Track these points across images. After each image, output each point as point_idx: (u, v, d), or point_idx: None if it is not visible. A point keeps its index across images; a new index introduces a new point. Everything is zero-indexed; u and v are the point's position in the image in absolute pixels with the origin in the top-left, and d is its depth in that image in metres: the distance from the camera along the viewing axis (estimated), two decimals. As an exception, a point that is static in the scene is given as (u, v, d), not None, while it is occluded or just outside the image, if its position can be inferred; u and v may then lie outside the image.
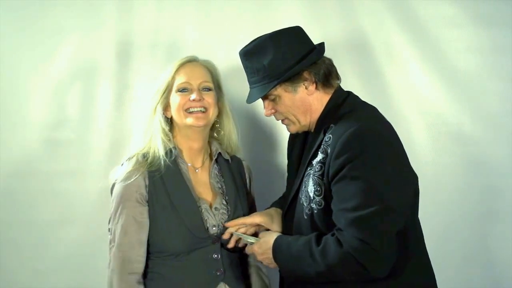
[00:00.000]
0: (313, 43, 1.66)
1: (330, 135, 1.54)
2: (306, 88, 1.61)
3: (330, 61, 1.64)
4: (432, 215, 2.09)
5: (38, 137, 2.19)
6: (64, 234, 2.18)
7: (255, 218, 1.75)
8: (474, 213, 2.19)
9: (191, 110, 1.74)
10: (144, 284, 1.69)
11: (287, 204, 1.68)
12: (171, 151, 1.74)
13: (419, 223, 1.62)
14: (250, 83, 1.67)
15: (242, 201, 1.83)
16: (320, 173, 1.53)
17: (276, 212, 1.77)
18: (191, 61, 1.80)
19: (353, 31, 2.23)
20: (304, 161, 1.65)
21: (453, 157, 2.20)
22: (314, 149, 1.59)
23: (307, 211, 1.57)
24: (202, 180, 1.80)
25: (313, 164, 1.58)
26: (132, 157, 1.73)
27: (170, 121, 1.79)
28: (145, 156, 1.73)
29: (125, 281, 1.65)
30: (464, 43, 2.20)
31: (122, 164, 1.75)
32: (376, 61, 2.23)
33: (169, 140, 1.75)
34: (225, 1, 2.22)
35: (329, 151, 1.52)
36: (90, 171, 2.18)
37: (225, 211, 1.77)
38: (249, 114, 2.22)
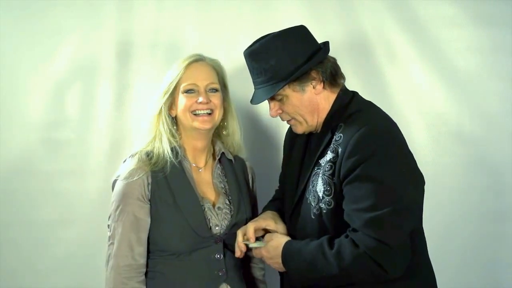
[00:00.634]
0: (318, 42, 1.66)
1: (341, 134, 1.53)
2: (313, 87, 1.60)
3: (334, 60, 1.65)
4: (432, 215, 2.07)
5: (38, 137, 2.19)
6: (64, 234, 2.18)
7: (261, 223, 1.72)
8: (474, 213, 2.19)
9: (197, 112, 1.73)
10: (146, 283, 1.68)
11: (293, 205, 1.66)
12: (176, 150, 1.73)
13: (422, 222, 1.62)
14: (256, 83, 1.65)
15: (245, 201, 1.83)
16: (330, 172, 1.52)
17: (274, 215, 1.76)
18: (198, 60, 1.77)
19: (353, 31, 2.23)
20: (309, 161, 1.64)
21: (453, 157, 2.20)
22: (321, 148, 1.59)
23: (315, 211, 1.56)
24: (205, 180, 1.80)
25: (321, 164, 1.57)
26: (135, 155, 1.72)
27: (174, 120, 1.78)
28: (148, 154, 1.72)
29: (124, 280, 1.64)
30: (464, 43, 2.20)
31: (124, 161, 1.74)
32: (376, 61, 2.23)
33: (174, 139, 1.74)
34: (225, 1, 2.22)
35: (340, 150, 1.51)
36: (90, 171, 2.18)
37: (228, 211, 1.77)
38: (250, 114, 2.22)
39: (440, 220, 2.16)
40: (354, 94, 1.67)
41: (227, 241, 1.73)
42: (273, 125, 2.21)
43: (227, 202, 1.79)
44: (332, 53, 1.66)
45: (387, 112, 1.64)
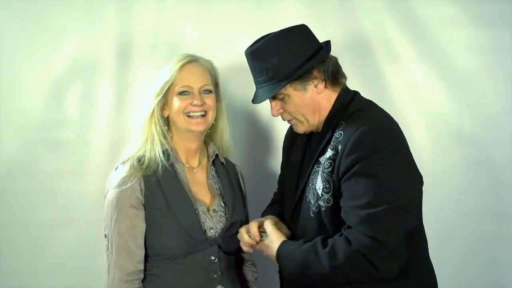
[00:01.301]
0: (319, 42, 1.66)
1: (341, 132, 1.53)
2: (315, 86, 1.60)
3: (336, 59, 1.64)
4: (432, 215, 2.07)
5: (38, 137, 2.18)
6: (64, 234, 2.18)
7: (263, 221, 1.70)
8: (474, 213, 2.19)
9: (191, 114, 1.72)
10: (143, 287, 1.68)
11: (293, 205, 1.66)
12: (167, 152, 1.72)
13: (422, 222, 1.62)
14: (257, 82, 1.64)
15: (239, 203, 1.83)
16: (329, 170, 1.52)
17: (275, 218, 1.75)
18: (192, 61, 1.76)
19: (353, 31, 2.23)
20: (309, 160, 1.64)
21: (453, 157, 2.20)
22: (322, 146, 1.58)
23: (314, 209, 1.56)
24: (199, 180, 1.80)
25: (321, 162, 1.57)
26: (127, 161, 1.71)
27: (166, 120, 1.77)
28: (140, 160, 1.70)
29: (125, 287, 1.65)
30: (464, 43, 2.20)
31: (116, 169, 1.73)
32: (376, 61, 2.23)
33: (166, 141, 1.74)
34: (225, 1, 2.22)
35: (340, 147, 1.51)
36: (90, 171, 2.18)
37: (223, 213, 1.77)
38: (249, 115, 2.22)
39: (440, 220, 2.15)
40: (356, 93, 1.67)
41: (222, 244, 1.72)
42: (271, 126, 2.21)
43: (222, 204, 1.78)
44: (332, 53, 1.65)
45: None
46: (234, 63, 2.10)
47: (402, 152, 1.52)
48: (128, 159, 1.71)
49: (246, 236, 1.66)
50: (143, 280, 1.69)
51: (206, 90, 1.75)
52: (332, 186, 1.52)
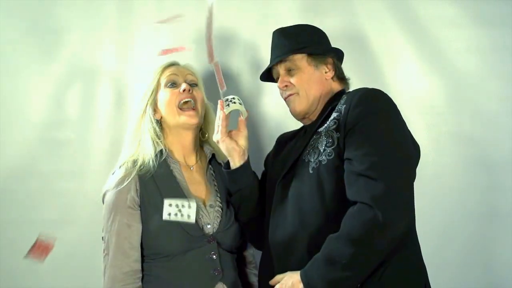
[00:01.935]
0: None
1: (345, 97, 1.62)
2: (325, 72, 1.73)
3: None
4: (432, 215, 2.09)
5: (38, 137, 2.19)
6: (64, 234, 2.16)
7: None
8: (474, 213, 2.19)
9: (183, 106, 1.75)
10: None
11: (286, 170, 1.65)
12: (161, 152, 1.74)
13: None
14: (277, 58, 1.73)
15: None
16: (334, 127, 1.56)
17: None
18: (174, 64, 1.85)
19: (353, 31, 2.23)
20: (301, 143, 1.68)
21: (453, 157, 2.20)
22: (321, 120, 1.65)
23: (313, 165, 1.57)
24: (197, 178, 1.80)
25: (320, 131, 1.61)
26: (123, 165, 1.74)
27: (159, 123, 1.79)
28: (135, 162, 1.73)
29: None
30: (464, 43, 2.20)
31: (113, 173, 1.76)
32: (376, 61, 2.23)
33: (159, 140, 1.75)
34: (225, 1, 2.22)
35: (343, 107, 1.57)
36: (90, 171, 2.18)
37: (219, 208, 1.77)
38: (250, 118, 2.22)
39: (440, 220, 2.15)
40: None
41: (220, 240, 1.72)
42: (271, 128, 2.21)
43: (219, 199, 1.79)
44: (332, 53, 1.66)
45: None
46: (234, 62, 2.10)
47: (401, 116, 1.59)
48: (124, 163, 1.75)
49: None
50: (142, 281, 1.68)
51: (192, 81, 1.81)
52: (335, 142, 1.54)
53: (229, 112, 1.69)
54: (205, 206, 1.75)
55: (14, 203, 2.17)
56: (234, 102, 1.71)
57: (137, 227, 1.68)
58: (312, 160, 1.58)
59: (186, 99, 1.76)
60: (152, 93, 1.79)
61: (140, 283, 1.67)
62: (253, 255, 1.91)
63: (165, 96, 1.77)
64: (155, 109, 1.79)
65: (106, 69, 2.21)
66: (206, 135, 1.87)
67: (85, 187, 2.18)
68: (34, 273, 2.16)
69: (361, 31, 2.23)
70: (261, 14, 2.22)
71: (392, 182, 1.41)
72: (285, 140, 1.87)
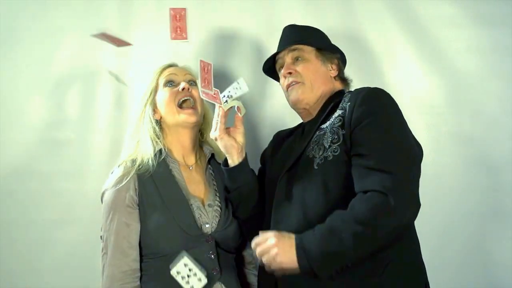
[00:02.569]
0: None
1: (349, 95, 1.65)
2: (330, 70, 1.78)
3: None
4: (432, 215, 2.09)
5: (38, 137, 2.18)
6: (64, 234, 2.17)
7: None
8: (474, 213, 2.19)
9: (182, 105, 1.76)
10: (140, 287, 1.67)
11: (288, 166, 1.66)
12: (160, 152, 1.74)
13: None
14: (287, 44, 1.78)
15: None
16: (339, 124, 1.58)
17: None
18: (173, 65, 1.86)
19: (353, 31, 2.23)
20: (303, 140, 1.69)
21: (453, 157, 2.20)
22: (323, 116, 1.66)
23: (318, 161, 1.58)
24: (196, 178, 1.80)
25: (324, 127, 1.62)
26: (121, 164, 1.75)
27: (158, 124, 1.80)
28: (133, 161, 1.73)
29: (120, 287, 1.64)
30: (464, 43, 2.20)
31: (112, 172, 1.76)
32: (376, 61, 2.23)
33: (159, 139, 1.76)
34: (226, 1, 2.22)
35: (348, 105, 1.59)
36: (90, 171, 2.18)
37: (218, 208, 1.76)
38: (247, 117, 2.21)
39: (440, 220, 2.16)
40: None
41: (219, 240, 1.71)
42: (270, 129, 2.21)
43: (218, 198, 1.78)
44: (332, 53, 1.67)
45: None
46: (234, 62, 2.10)
47: (403, 116, 1.62)
48: (122, 162, 1.75)
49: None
50: (140, 281, 1.68)
51: (191, 80, 1.81)
52: (341, 138, 1.56)
53: (228, 109, 1.69)
54: (203, 205, 1.74)
55: (14, 203, 2.17)
56: (233, 99, 1.69)
57: (136, 226, 1.68)
58: (317, 156, 1.59)
59: (185, 98, 1.77)
60: (151, 93, 1.80)
61: (138, 282, 1.67)
62: (252, 255, 1.91)
63: (164, 95, 1.78)
64: (154, 110, 1.80)
65: (106, 69, 2.20)
66: (205, 135, 1.88)
67: (85, 187, 2.18)
68: (34, 273, 2.16)
69: (361, 31, 2.23)
70: (261, 14, 2.22)
71: (404, 175, 1.45)
72: (282, 137, 1.88)
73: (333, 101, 1.69)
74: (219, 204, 1.77)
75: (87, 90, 2.21)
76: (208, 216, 1.73)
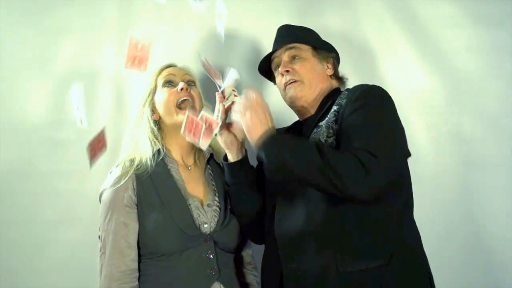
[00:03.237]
0: None
1: (345, 92, 1.67)
2: (326, 69, 1.80)
3: None
4: (432, 215, 2.09)
5: (38, 137, 2.18)
6: (64, 234, 2.18)
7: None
8: (474, 213, 2.19)
9: (181, 101, 1.75)
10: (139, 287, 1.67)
11: None
12: (158, 151, 1.74)
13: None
14: (284, 42, 1.80)
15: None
16: (334, 119, 1.61)
17: None
18: (171, 65, 1.85)
19: (353, 31, 2.23)
20: (304, 133, 1.71)
21: (453, 157, 2.20)
22: (320, 114, 1.68)
23: None
24: (195, 178, 1.80)
25: (321, 125, 1.64)
26: (120, 164, 1.75)
27: (157, 124, 1.80)
28: (132, 161, 1.73)
29: (118, 287, 1.63)
30: (464, 43, 2.20)
31: (111, 172, 1.76)
32: (376, 61, 2.23)
33: (157, 140, 1.76)
34: (225, 1, 2.22)
35: (344, 101, 1.61)
36: (90, 171, 2.17)
37: (217, 208, 1.76)
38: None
39: (440, 220, 2.15)
40: None
41: (218, 240, 1.71)
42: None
43: (217, 198, 1.78)
44: (332, 52, 1.67)
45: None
46: (235, 61, 2.10)
47: (397, 113, 1.62)
48: (121, 162, 1.75)
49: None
50: (139, 281, 1.67)
51: (190, 80, 1.81)
52: (334, 132, 1.58)
53: (229, 105, 1.68)
54: (202, 205, 1.74)
55: (14, 203, 2.17)
56: (234, 95, 1.69)
57: (134, 226, 1.67)
58: None
59: (184, 98, 1.76)
60: (149, 94, 1.80)
61: (136, 282, 1.66)
62: (251, 255, 1.91)
63: (163, 95, 1.78)
64: (153, 110, 1.80)
65: (106, 69, 2.20)
66: None
67: (85, 187, 2.18)
68: (34, 273, 2.17)
69: (361, 31, 2.23)
70: (260, 14, 2.22)
71: (383, 163, 1.44)
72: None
73: (330, 99, 1.71)
74: (218, 204, 1.77)
75: (87, 90, 2.20)
76: (207, 216, 1.73)
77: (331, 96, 1.72)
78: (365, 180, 1.42)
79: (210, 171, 1.86)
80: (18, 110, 2.19)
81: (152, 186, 1.70)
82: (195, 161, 1.83)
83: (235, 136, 1.72)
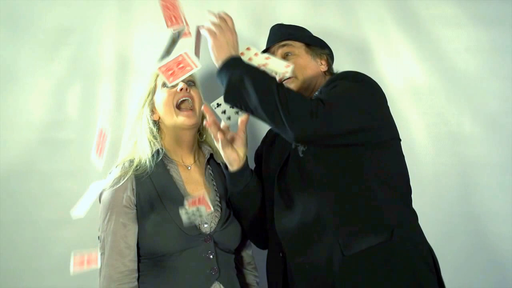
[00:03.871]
0: None
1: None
2: (320, 65, 1.82)
3: None
4: (432, 215, 2.09)
5: (38, 137, 2.18)
6: (64, 234, 2.18)
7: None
8: (474, 213, 2.19)
9: (180, 101, 1.75)
10: None
11: (283, 160, 1.70)
12: (158, 152, 1.74)
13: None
14: (277, 39, 1.82)
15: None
16: None
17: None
18: None
19: (353, 31, 2.23)
20: None
21: (453, 157, 2.20)
22: None
23: (303, 148, 1.63)
24: (195, 178, 1.80)
25: None
26: (119, 164, 1.75)
27: (157, 124, 1.79)
28: (131, 162, 1.73)
29: (117, 287, 1.64)
30: (464, 43, 2.20)
31: (110, 173, 1.76)
32: (376, 61, 2.23)
33: (156, 140, 1.76)
34: (225, 1, 2.22)
35: (322, 87, 1.67)
36: (90, 171, 2.17)
37: (218, 208, 1.76)
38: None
39: (440, 220, 2.15)
40: None
41: (217, 240, 1.71)
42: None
43: (218, 199, 1.78)
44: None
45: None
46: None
47: (380, 93, 1.63)
48: (120, 163, 1.75)
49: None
50: (138, 282, 1.68)
51: (189, 81, 1.80)
52: None
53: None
54: None
55: (14, 203, 2.17)
56: (237, 113, 1.64)
57: (133, 227, 1.67)
58: (300, 144, 1.63)
59: (184, 98, 1.76)
60: (149, 94, 1.80)
61: (136, 283, 1.66)
62: (251, 256, 1.91)
63: (162, 96, 1.77)
64: (152, 110, 1.80)
65: (106, 69, 2.20)
66: (204, 136, 1.88)
67: (85, 187, 2.16)
68: (33, 273, 2.17)
69: (361, 31, 2.23)
70: (260, 13, 2.22)
71: (335, 108, 1.48)
72: (274, 134, 1.85)
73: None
74: (218, 204, 1.77)
75: (87, 90, 2.21)
76: (207, 216, 1.72)
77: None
78: (310, 121, 1.44)
79: (210, 171, 1.86)
80: (18, 110, 2.18)
81: (152, 187, 1.70)
82: (194, 161, 1.83)
83: (237, 153, 1.71)
